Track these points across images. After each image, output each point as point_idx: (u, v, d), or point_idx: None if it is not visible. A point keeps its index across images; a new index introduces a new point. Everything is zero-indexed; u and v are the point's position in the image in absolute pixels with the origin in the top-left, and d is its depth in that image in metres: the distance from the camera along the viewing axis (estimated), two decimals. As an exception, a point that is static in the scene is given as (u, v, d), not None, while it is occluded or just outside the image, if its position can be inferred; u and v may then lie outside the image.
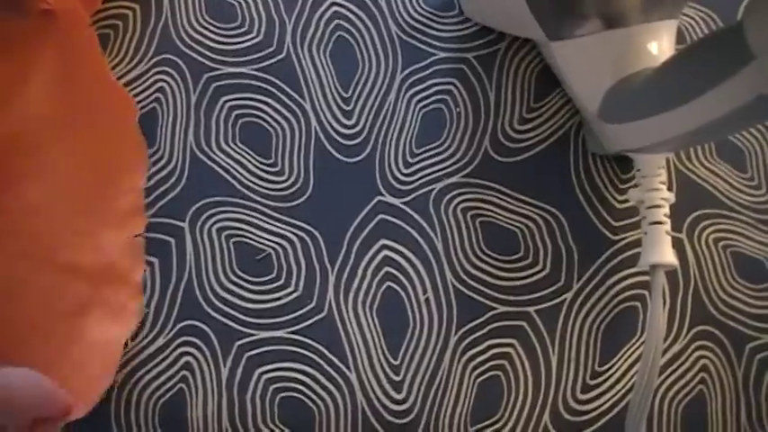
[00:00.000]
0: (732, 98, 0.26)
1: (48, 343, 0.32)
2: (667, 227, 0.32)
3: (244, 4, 0.37)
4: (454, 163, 0.35)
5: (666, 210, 0.33)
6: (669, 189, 0.35)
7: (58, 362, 0.32)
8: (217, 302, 0.33)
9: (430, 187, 0.35)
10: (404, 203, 0.34)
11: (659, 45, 0.32)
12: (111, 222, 0.33)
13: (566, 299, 0.34)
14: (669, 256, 0.32)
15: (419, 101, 0.36)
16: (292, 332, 0.33)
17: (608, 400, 0.33)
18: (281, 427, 0.32)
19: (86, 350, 0.32)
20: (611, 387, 0.33)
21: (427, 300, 0.33)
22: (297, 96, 0.36)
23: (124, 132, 0.34)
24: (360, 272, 0.34)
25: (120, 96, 0.34)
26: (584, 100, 0.34)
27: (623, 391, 0.33)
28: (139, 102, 0.36)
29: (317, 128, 0.35)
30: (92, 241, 0.33)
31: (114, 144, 0.34)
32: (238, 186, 0.35)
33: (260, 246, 0.34)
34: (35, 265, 0.33)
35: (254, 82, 0.36)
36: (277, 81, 0.36)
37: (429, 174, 0.35)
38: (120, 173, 0.34)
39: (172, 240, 0.34)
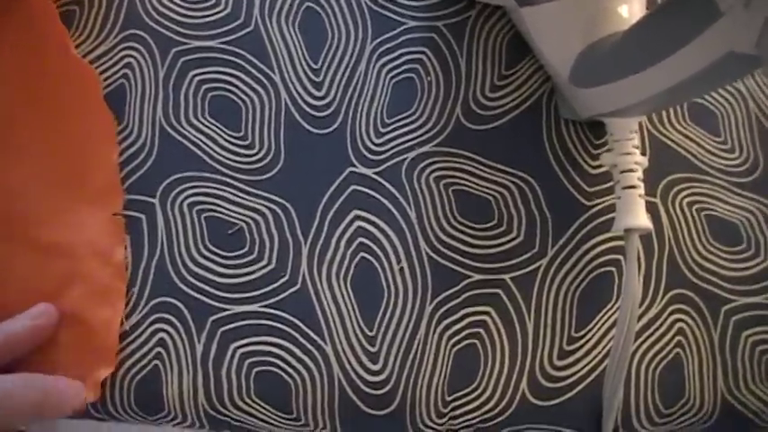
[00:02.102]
0: (702, 56, 0.26)
1: None
2: (641, 191, 0.32)
3: (210, -23, 0.37)
4: (426, 132, 0.35)
5: (640, 174, 0.32)
6: (642, 153, 0.35)
7: (47, 346, 0.32)
8: (190, 278, 0.33)
9: (402, 157, 0.34)
10: (376, 174, 0.34)
11: (629, 8, 0.32)
12: (88, 199, 0.33)
13: (541, 265, 0.34)
14: (643, 220, 0.32)
15: (390, 70, 0.35)
16: (266, 306, 0.33)
17: (585, 365, 0.33)
18: (258, 401, 0.32)
19: (77, 333, 0.32)
20: (588, 352, 0.33)
21: (402, 270, 0.33)
22: (266, 69, 0.35)
23: (90, 107, 0.34)
24: (333, 243, 0.33)
25: (83, 70, 0.34)
26: (555, 65, 0.33)
27: (600, 356, 0.33)
28: (107, 78, 0.35)
29: (287, 100, 0.35)
30: (70, 218, 0.33)
31: (82, 119, 0.34)
32: (209, 161, 0.34)
33: (232, 220, 0.34)
34: (14, 246, 0.32)
35: (222, 55, 0.36)
36: (246, 54, 0.36)
37: (401, 143, 0.35)
38: (91, 148, 0.33)
39: (143, 217, 0.34)
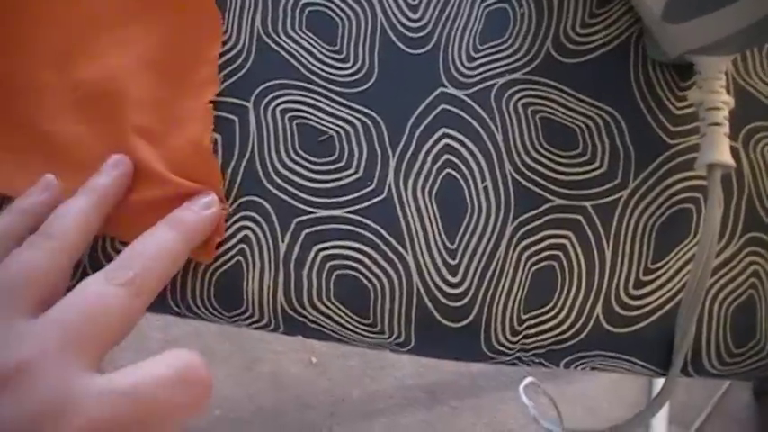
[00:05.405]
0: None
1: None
2: (726, 129, 0.33)
3: None
4: (517, 60, 0.36)
5: (726, 113, 0.33)
6: (727, 96, 0.36)
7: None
8: (278, 180, 0.34)
9: (492, 81, 0.35)
10: (466, 95, 0.35)
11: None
12: (189, 91, 0.34)
13: (621, 196, 0.34)
14: (727, 156, 0.32)
15: (484, 0, 0.36)
16: (351, 212, 0.33)
17: (660, 297, 0.33)
18: (337, 303, 0.33)
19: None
20: (664, 285, 0.33)
21: (486, 188, 0.34)
22: (364, -11, 0.36)
23: (201, 5, 0.35)
24: (420, 158, 0.34)
25: None
26: (648, 2, 0.34)
27: (675, 289, 0.33)
28: (208, -14, 0.36)
29: (383, 20, 0.36)
30: (169, 108, 0.34)
31: (191, 16, 0.35)
32: (303, 71, 0.35)
33: (322, 128, 0.34)
34: (108, 125, 0.33)
35: (321, -27, 0.37)
36: (344, -27, 0.37)
37: (492, 69, 0.35)
38: (198, 44, 0.34)
39: (236, 119, 0.34)
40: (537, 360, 0.34)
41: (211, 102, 0.34)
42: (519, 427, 0.91)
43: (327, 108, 0.34)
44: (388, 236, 0.33)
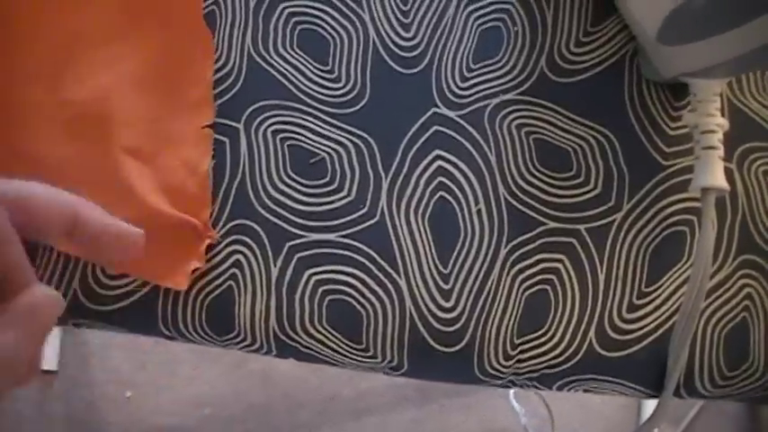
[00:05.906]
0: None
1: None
2: (720, 152, 0.32)
3: None
4: (511, 80, 0.35)
5: (720, 136, 0.33)
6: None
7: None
8: (269, 203, 0.33)
9: (485, 102, 0.35)
10: (459, 116, 0.35)
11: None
12: (182, 111, 0.33)
13: (615, 219, 0.34)
14: (721, 180, 0.32)
15: (478, 18, 0.36)
16: (344, 236, 0.33)
17: (653, 320, 0.33)
18: (329, 329, 0.32)
19: (164, 233, 0.32)
20: (657, 308, 0.33)
21: (479, 211, 0.34)
22: (355, 6, 0.36)
23: (190, 23, 0.34)
24: (413, 180, 0.34)
25: None
26: (643, 23, 0.34)
27: (668, 313, 0.33)
28: (198, 3, 0.35)
29: (375, 38, 0.35)
30: (160, 128, 0.33)
31: (181, 34, 0.34)
32: (295, 91, 0.35)
33: (314, 150, 0.34)
34: (99, 147, 0.33)
35: (313, -10, 0.36)
36: (336, -9, 0.36)
37: (485, 89, 0.35)
38: (188, 63, 0.34)
39: (226, 140, 0.34)
40: (530, 383, 0.34)
41: (208, 125, 0.33)
42: (509, 425, 0.92)
43: (319, 129, 0.34)
44: (380, 260, 0.33)
